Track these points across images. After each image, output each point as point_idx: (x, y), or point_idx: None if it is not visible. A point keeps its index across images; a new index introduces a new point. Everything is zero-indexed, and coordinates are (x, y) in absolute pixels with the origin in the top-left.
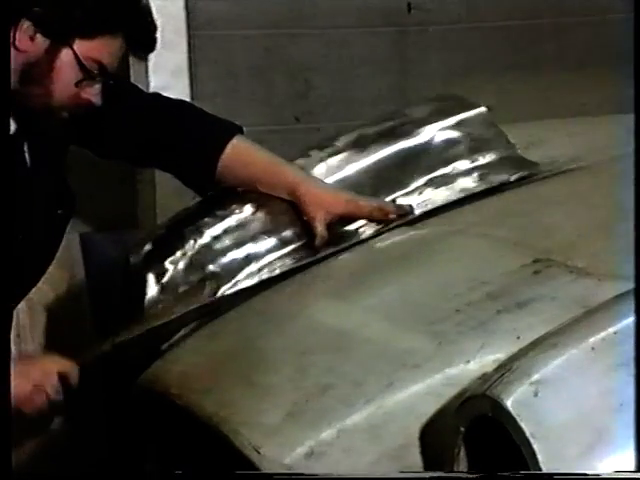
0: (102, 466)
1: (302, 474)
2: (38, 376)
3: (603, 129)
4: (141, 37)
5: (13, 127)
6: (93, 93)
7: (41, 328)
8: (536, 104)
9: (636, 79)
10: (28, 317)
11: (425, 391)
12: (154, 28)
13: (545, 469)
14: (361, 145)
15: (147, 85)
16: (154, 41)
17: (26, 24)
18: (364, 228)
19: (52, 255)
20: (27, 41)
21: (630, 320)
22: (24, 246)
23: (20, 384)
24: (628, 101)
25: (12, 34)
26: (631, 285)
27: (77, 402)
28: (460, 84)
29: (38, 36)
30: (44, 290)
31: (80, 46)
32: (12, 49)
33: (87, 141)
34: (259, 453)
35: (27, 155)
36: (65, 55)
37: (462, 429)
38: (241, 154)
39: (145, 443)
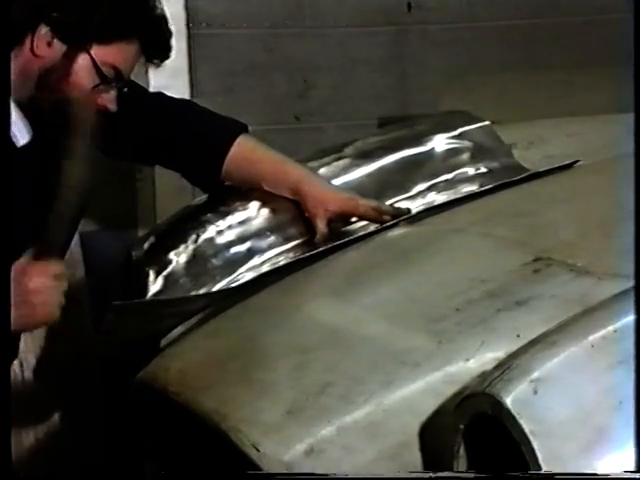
0: (101, 465)
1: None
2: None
3: (603, 129)
4: (157, 44)
5: (28, 137)
6: (109, 99)
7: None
8: (536, 104)
9: (636, 79)
10: None
11: (425, 389)
12: (169, 35)
13: (545, 467)
14: (366, 152)
15: (147, 85)
16: (169, 48)
17: (44, 29)
18: (365, 226)
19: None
20: (45, 47)
21: (630, 318)
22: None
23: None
24: (628, 101)
25: (30, 40)
26: (631, 283)
27: (76, 400)
28: (460, 83)
29: (55, 41)
30: None
31: (97, 51)
32: (30, 55)
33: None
34: (258, 450)
35: (39, 164)
36: (82, 60)
37: (462, 427)
38: (247, 152)
39: (144, 441)
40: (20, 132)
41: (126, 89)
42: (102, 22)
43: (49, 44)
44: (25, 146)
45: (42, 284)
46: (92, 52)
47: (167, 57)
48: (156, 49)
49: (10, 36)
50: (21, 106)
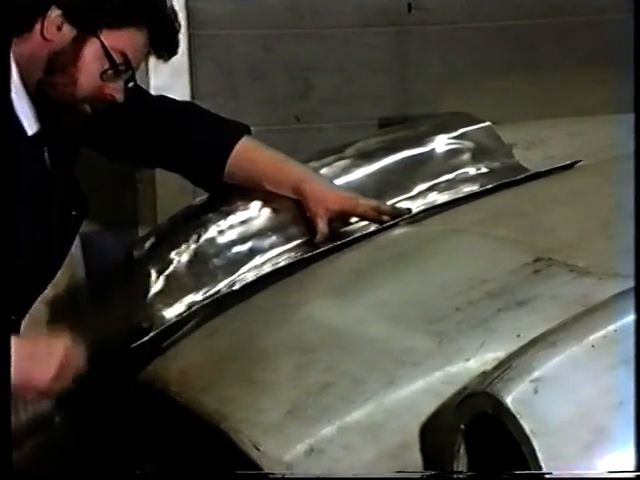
0: (102, 465)
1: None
2: (60, 354)
3: (603, 129)
4: (167, 35)
5: (36, 128)
6: (116, 89)
7: (41, 327)
8: (536, 104)
9: (636, 79)
10: (28, 316)
11: (425, 389)
12: (178, 29)
13: (545, 467)
14: (367, 153)
15: (147, 85)
16: (177, 43)
17: (55, 13)
18: (366, 226)
19: (64, 256)
20: (54, 30)
21: (630, 318)
22: (40, 247)
23: (44, 367)
24: (628, 101)
25: (40, 24)
26: (631, 284)
27: (77, 400)
28: (460, 84)
29: (65, 25)
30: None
31: (107, 36)
32: (40, 39)
33: (96, 143)
34: (259, 450)
35: (47, 157)
36: (91, 45)
37: (462, 426)
38: (249, 153)
39: (145, 441)
40: (29, 121)
41: (132, 83)
42: (113, 7)
43: (59, 28)
44: (34, 136)
45: (74, 362)
46: (102, 37)
47: (175, 51)
48: (165, 41)
49: (11, 33)
50: (30, 94)
